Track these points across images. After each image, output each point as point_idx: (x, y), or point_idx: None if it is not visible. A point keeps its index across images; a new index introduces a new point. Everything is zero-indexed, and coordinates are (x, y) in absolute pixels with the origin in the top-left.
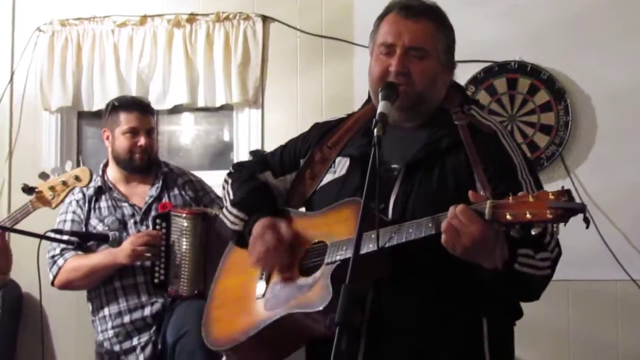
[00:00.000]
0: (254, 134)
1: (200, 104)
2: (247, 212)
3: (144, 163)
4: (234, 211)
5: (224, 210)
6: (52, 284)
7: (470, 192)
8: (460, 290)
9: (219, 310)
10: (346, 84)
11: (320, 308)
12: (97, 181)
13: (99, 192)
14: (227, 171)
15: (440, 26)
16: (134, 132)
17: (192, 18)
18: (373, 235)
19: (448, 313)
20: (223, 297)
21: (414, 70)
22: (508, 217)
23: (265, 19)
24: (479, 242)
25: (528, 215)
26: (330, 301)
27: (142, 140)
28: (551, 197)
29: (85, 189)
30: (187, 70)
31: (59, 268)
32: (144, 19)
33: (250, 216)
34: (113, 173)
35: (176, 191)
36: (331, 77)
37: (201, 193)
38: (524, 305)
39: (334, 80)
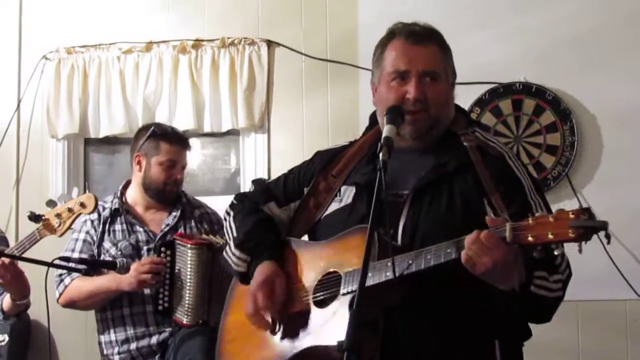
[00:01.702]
0: (261, 158)
1: (207, 129)
2: (249, 252)
3: (173, 195)
4: (237, 253)
5: (228, 250)
6: (58, 301)
7: (487, 218)
8: (472, 312)
9: (232, 345)
10: (352, 107)
11: (341, 341)
12: (114, 203)
13: (115, 214)
14: (227, 208)
15: (445, 48)
16: (171, 165)
17: (197, 44)
18: (389, 263)
19: (461, 335)
20: (235, 332)
21: (430, 95)
22: (530, 238)
23: (270, 44)
24: (500, 264)
25: (550, 236)
26: None
27: (178, 175)
28: (571, 216)
29: (101, 210)
30: (193, 96)
31: (65, 287)
32: (149, 45)
33: (252, 257)
34: (134, 196)
35: (192, 223)
36: (337, 100)
37: (217, 227)
38: (534, 326)
39: (340, 104)
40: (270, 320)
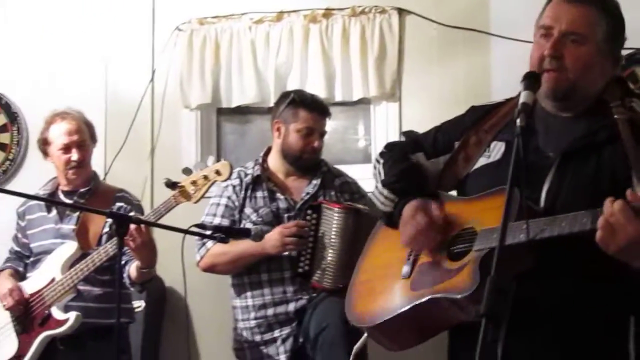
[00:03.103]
0: (392, 127)
1: (338, 98)
2: (397, 193)
3: (310, 163)
4: (385, 192)
5: (375, 190)
6: (198, 264)
7: (628, 192)
8: (606, 286)
9: (365, 286)
10: (483, 75)
11: (467, 294)
12: (255, 169)
13: (257, 181)
14: (377, 156)
15: (604, 13)
16: (309, 132)
17: (328, 13)
18: (525, 226)
19: (592, 308)
20: (370, 273)
21: (568, 56)
22: None
23: (401, 12)
24: (635, 242)
25: None
26: (477, 288)
27: (315, 142)
28: None
29: (242, 176)
30: (324, 65)
31: (207, 250)
32: (280, 15)
33: (400, 198)
34: (274, 163)
35: (332, 192)
36: (468, 68)
37: (357, 196)
38: None
39: (471, 72)
40: (432, 241)
